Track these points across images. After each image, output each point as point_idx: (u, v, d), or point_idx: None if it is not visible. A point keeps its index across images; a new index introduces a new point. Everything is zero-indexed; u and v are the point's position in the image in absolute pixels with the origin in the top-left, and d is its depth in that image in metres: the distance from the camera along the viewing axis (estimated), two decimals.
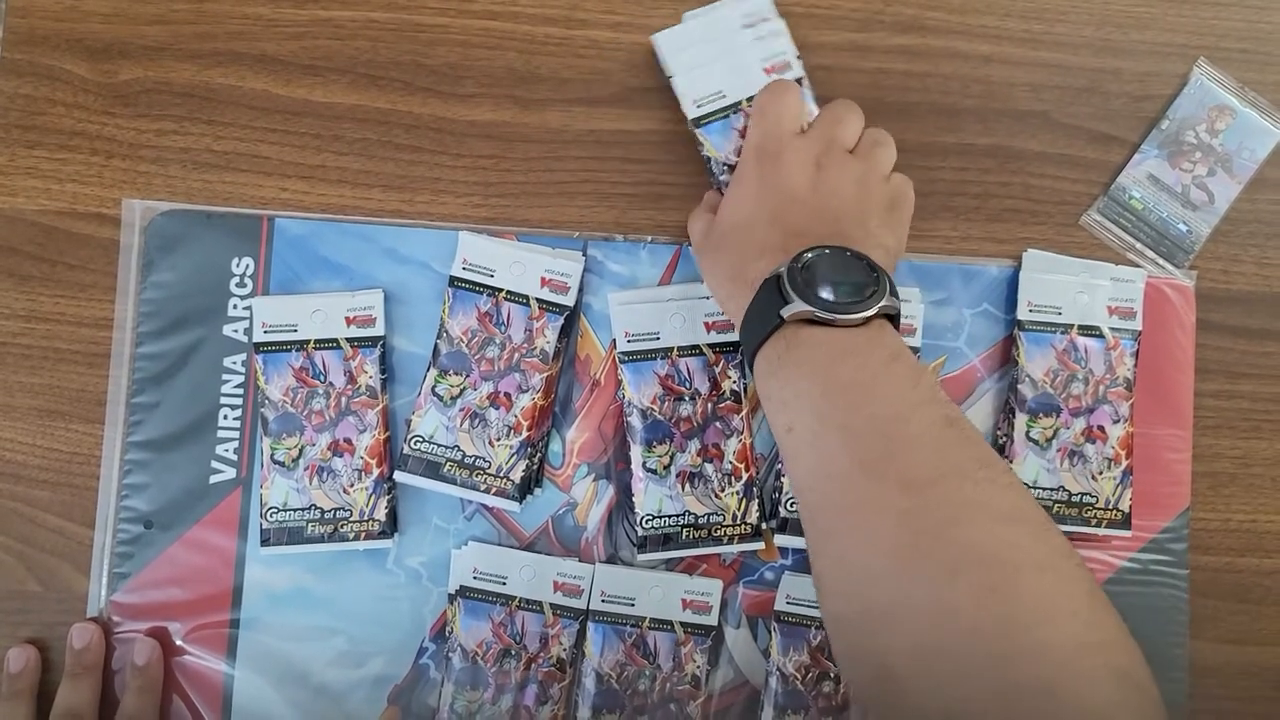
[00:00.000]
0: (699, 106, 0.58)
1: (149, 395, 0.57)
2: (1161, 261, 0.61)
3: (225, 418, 0.57)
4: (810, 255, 0.47)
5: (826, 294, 0.45)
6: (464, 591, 0.57)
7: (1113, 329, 0.59)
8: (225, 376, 0.57)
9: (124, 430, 0.57)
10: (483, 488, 0.56)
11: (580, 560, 0.58)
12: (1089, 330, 0.59)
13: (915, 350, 0.58)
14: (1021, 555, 0.40)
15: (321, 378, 0.57)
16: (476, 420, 0.56)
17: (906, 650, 0.40)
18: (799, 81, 0.58)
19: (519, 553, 0.58)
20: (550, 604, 0.57)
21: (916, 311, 0.58)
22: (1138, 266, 0.61)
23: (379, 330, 0.57)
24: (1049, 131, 0.62)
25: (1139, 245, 0.61)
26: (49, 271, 0.58)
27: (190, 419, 0.57)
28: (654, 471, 0.57)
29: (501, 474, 0.56)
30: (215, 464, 0.57)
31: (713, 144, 0.57)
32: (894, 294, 0.47)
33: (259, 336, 0.57)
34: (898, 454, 0.42)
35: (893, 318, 0.48)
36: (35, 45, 0.59)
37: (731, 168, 0.57)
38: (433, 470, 0.56)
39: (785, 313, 0.46)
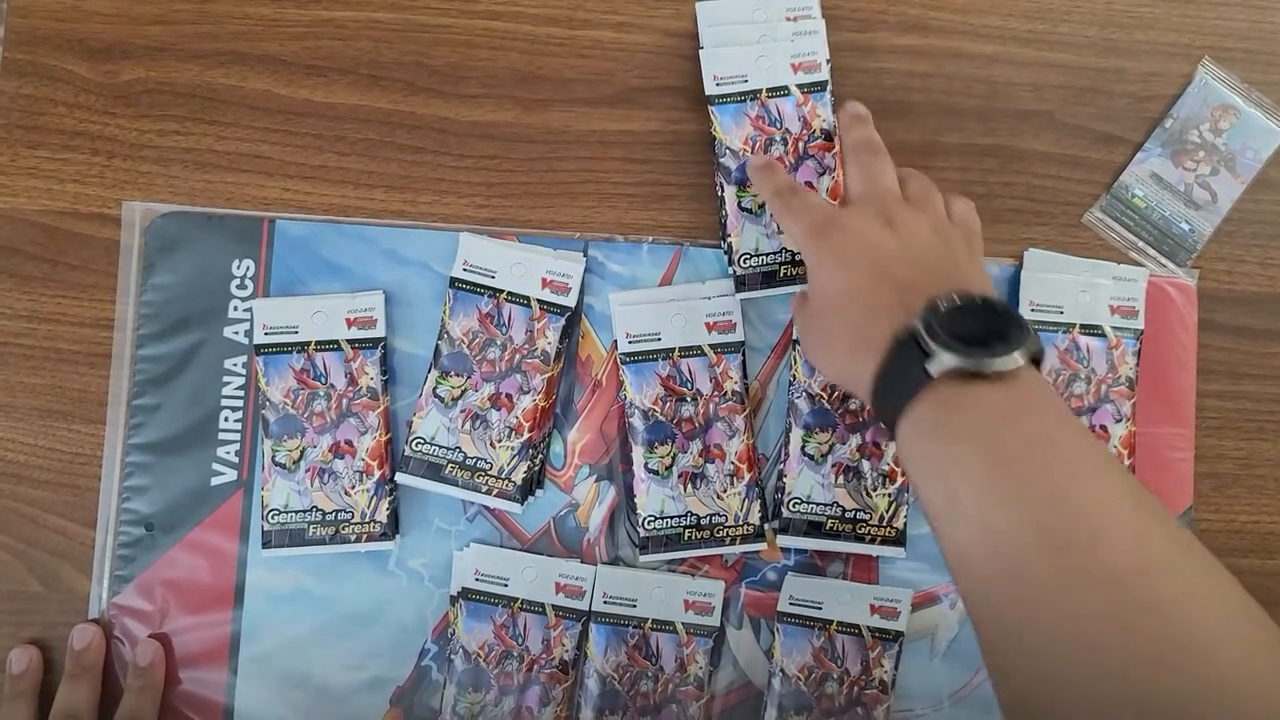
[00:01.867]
0: (718, 84, 0.57)
1: (150, 397, 0.57)
2: (1164, 260, 0.61)
3: (226, 420, 0.57)
4: (942, 305, 0.44)
5: (970, 343, 0.42)
6: (466, 593, 0.56)
7: (1115, 328, 0.59)
8: (226, 378, 0.57)
9: (125, 432, 0.57)
10: (484, 489, 0.56)
11: (582, 561, 0.58)
12: (1091, 329, 0.59)
13: None
14: (1270, 687, 0.36)
15: (322, 379, 0.57)
16: (478, 422, 0.56)
17: None
18: (823, 86, 0.57)
19: (521, 554, 0.57)
20: (552, 605, 0.57)
21: None
22: (1140, 265, 0.61)
23: (380, 332, 0.57)
24: (1052, 131, 0.61)
25: (1141, 244, 0.61)
26: (50, 272, 0.58)
27: (191, 421, 0.57)
28: (656, 472, 0.57)
29: (503, 475, 0.56)
30: (216, 466, 0.57)
31: (721, 125, 0.57)
32: (1035, 334, 0.44)
33: (260, 338, 0.57)
34: (1093, 537, 0.39)
35: (1037, 358, 0.44)
36: (36, 45, 0.59)
37: (734, 152, 0.57)
38: (434, 472, 0.56)
39: (934, 369, 0.42)
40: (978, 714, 0.59)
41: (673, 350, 0.57)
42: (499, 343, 0.57)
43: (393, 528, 0.56)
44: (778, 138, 0.57)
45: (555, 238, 0.59)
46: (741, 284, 0.57)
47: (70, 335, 0.58)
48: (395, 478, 0.56)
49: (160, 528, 0.57)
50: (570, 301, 0.57)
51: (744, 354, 0.58)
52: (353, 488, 0.56)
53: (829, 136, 0.57)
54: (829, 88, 0.58)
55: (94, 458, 0.57)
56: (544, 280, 0.57)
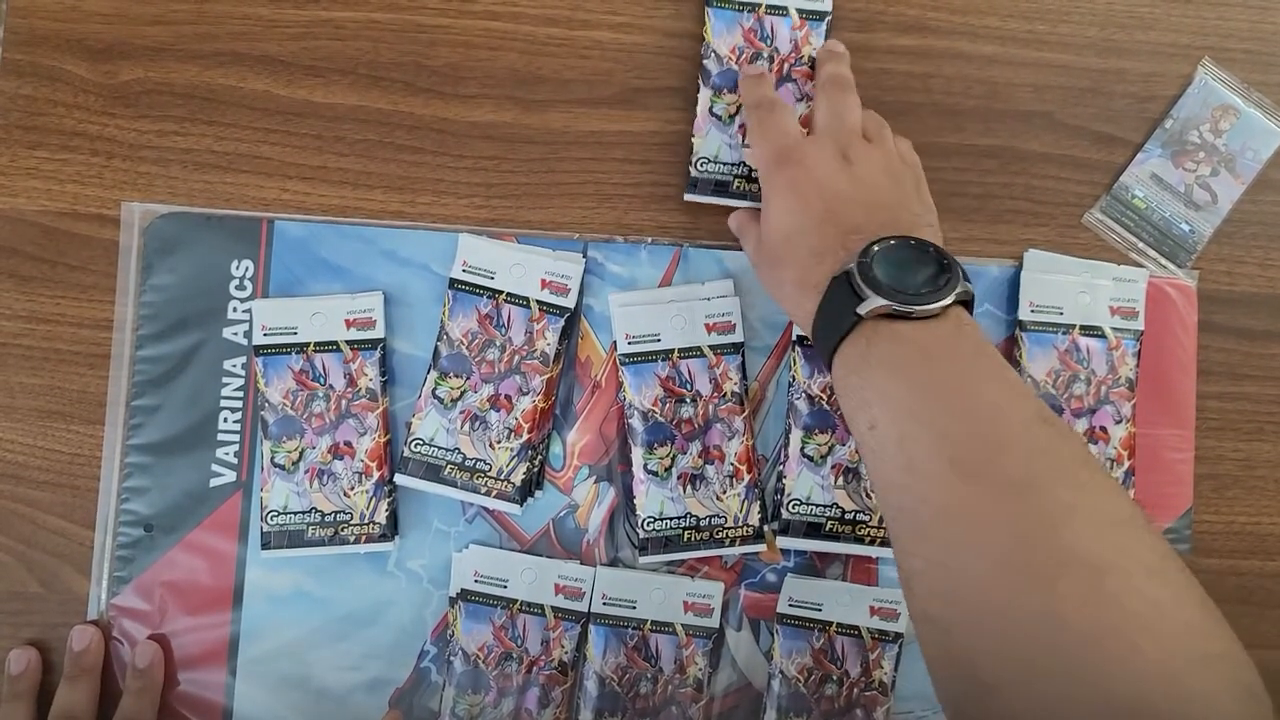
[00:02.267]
0: None
1: (149, 398, 0.57)
2: (1164, 261, 0.61)
3: (225, 421, 0.57)
4: (876, 249, 0.46)
5: (900, 286, 0.45)
6: (465, 595, 0.56)
7: (1115, 329, 0.59)
8: (225, 379, 0.57)
9: (124, 433, 0.57)
10: (483, 490, 0.56)
11: (581, 563, 0.58)
12: (1091, 330, 0.59)
13: None
14: (1129, 561, 0.38)
15: (321, 380, 0.56)
16: (477, 423, 0.56)
17: (1003, 657, 0.38)
18: (822, 16, 0.59)
19: (520, 555, 0.57)
20: (551, 607, 0.57)
21: None
22: (1140, 266, 0.61)
23: (379, 333, 0.57)
24: (1052, 132, 0.61)
25: (1141, 245, 0.61)
26: (50, 272, 0.58)
27: (190, 422, 0.57)
28: (655, 473, 0.56)
29: (502, 476, 0.56)
30: (215, 467, 0.57)
31: (713, 29, 0.59)
32: (966, 278, 0.46)
33: (259, 339, 0.57)
34: (994, 455, 0.41)
35: (967, 303, 0.46)
36: (36, 46, 0.59)
37: (719, 57, 0.58)
38: (433, 473, 0.56)
39: (863, 310, 0.45)
40: None
41: (672, 351, 0.57)
42: (498, 344, 0.57)
43: (392, 529, 0.56)
44: (765, 54, 0.58)
45: (554, 239, 0.59)
46: (694, 187, 0.58)
47: (69, 336, 0.58)
48: (394, 479, 0.56)
49: (159, 529, 0.57)
50: (569, 302, 0.57)
51: (743, 355, 0.58)
52: (352, 489, 0.56)
53: (815, 66, 0.58)
54: (828, 20, 0.59)
55: (93, 458, 0.57)
56: (543, 281, 0.57)
